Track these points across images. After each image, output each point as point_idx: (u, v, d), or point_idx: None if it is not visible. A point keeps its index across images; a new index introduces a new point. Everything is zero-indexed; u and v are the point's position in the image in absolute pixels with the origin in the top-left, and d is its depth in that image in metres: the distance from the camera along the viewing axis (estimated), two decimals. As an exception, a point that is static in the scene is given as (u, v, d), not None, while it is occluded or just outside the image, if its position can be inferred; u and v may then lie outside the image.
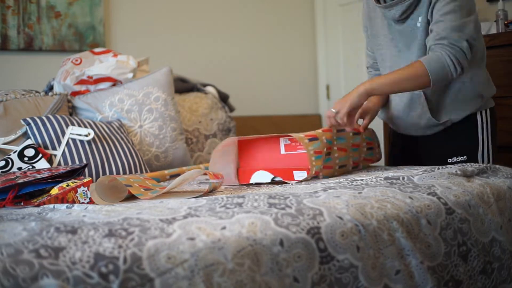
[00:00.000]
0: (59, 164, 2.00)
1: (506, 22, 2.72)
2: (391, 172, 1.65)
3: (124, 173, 2.11)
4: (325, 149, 1.71)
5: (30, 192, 1.60)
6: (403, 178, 1.54)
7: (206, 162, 2.60)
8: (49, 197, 1.50)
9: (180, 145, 2.42)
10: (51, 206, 1.42)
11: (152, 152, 2.34)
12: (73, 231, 1.01)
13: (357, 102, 1.77)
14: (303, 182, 1.65)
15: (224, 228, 1.06)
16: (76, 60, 2.44)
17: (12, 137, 2.05)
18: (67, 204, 1.41)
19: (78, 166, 1.71)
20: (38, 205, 1.48)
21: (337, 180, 1.59)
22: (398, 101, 1.97)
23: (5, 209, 1.49)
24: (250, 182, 1.78)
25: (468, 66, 1.78)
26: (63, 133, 2.06)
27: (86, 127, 2.12)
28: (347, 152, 1.82)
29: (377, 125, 3.07)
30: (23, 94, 2.23)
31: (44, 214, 1.30)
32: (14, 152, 1.93)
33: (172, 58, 3.17)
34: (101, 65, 2.43)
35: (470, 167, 1.61)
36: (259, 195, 1.30)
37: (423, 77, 1.74)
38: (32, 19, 2.84)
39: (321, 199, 1.26)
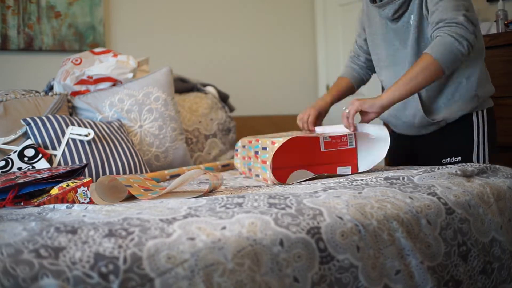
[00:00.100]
0: (59, 164, 2.00)
1: (506, 22, 2.72)
2: (391, 172, 1.65)
3: (124, 173, 2.11)
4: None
5: (30, 192, 1.60)
6: (403, 178, 1.54)
7: (206, 162, 2.60)
8: (49, 197, 1.50)
9: (180, 145, 2.42)
10: (51, 206, 1.42)
11: (152, 152, 2.34)
12: (73, 231, 1.01)
13: (375, 111, 1.75)
14: (303, 182, 1.65)
15: (224, 228, 1.06)
16: (76, 60, 2.44)
17: (12, 137, 2.05)
18: (67, 204, 1.41)
19: (78, 166, 1.71)
20: (38, 205, 1.48)
21: (337, 180, 1.60)
22: None
23: (5, 209, 1.49)
24: (288, 182, 1.70)
25: (474, 40, 1.71)
26: (63, 133, 2.06)
27: (86, 127, 2.12)
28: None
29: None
30: (23, 94, 2.23)
31: (44, 214, 1.30)
32: (14, 152, 1.93)
33: (172, 58, 3.17)
34: (101, 65, 2.43)
35: (470, 167, 1.61)
36: (259, 195, 1.30)
37: (433, 66, 1.70)
38: (32, 19, 2.84)
39: (321, 199, 1.26)
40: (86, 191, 1.54)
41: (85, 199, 1.54)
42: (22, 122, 2.07)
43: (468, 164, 1.67)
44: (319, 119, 2.06)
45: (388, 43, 1.95)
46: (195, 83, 2.89)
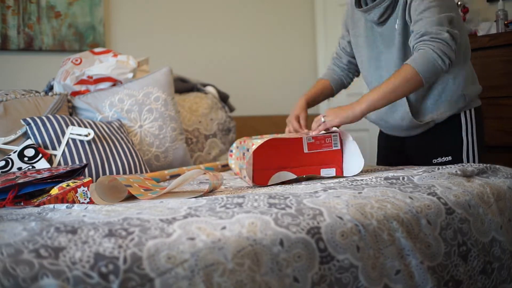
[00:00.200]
0: (59, 164, 2.00)
1: (506, 22, 2.72)
2: (391, 172, 1.65)
3: (124, 173, 2.11)
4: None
5: (30, 192, 1.60)
6: (403, 178, 1.54)
7: (206, 162, 2.60)
8: (49, 197, 1.50)
9: (180, 145, 2.42)
10: (51, 206, 1.42)
11: (152, 152, 2.34)
12: (73, 231, 1.01)
13: (348, 122, 1.75)
14: (303, 182, 1.65)
15: (224, 228, 1.06)
16: (76, 60, 2.44)
17: (12, 137, 2.05)
18: (67, 204, 1.41)
19: (78, 166, 1.71)
20: (38, 205, 1.48)
21: (337, 180, 1.60)
22: None
23: (5, 209, 1.49)
24: (270, 184, 1.69)
25: (455, 57, 1.75)
26: (63, 133, 2.06)
27: (86, 127, 2.12)
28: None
29: (370, 126, 3.07)
30: (23, 94, 2.23)
31: (44, 214, 1.30)
32: (14, 152, 1.93)
33: (172, 58, 3.17)
34: (101, 65, 2.43)
35: (470, 167, 1.61)
36: (259, 195, 1.30)
37: (414, 78, 1.73)
38: (32, 19, 2.84)
39: (321, 199, 1.26)
40: (86, 191, 1.54)
41: (85, 199, 1.54)
42: (22, 122, 2.07)
43: (468, 164, 1.67)
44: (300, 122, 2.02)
45: (371, 45, 1.96)
46: (195, 83, 2.89)
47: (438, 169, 1.63)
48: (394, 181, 1.52)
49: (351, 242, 1.14)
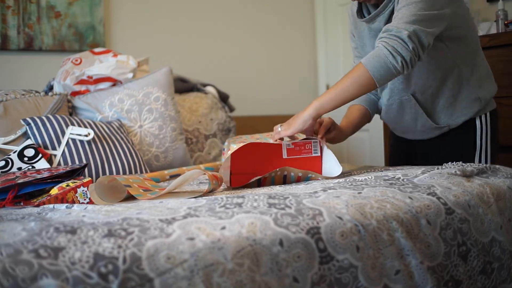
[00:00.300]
0: (59, 164, 2.00)
1: (506, 22, 2.72)
2: (391, 172, 1.65)
3: (124, 173, 2.11)
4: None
5: (30, 192, 1.60)
6: (403, 178, 1.54)
7: (206, 162, 2.60)
8: (49, 197, 1.50)
9: (180, 145, 2.42)
10: (51, 206, 1.42)
11: (152, 152, 2.34)
12: (73, 231, 1.01)
13: (301, 129, 1.68)
14: (302, 183, 1.65)
15: (223, 228, 1.06)
16: (76, 60, 2.44)
17: (12, 137, 2.05)
18: (66, 204, 1.41)
19: (78, 166, 1.71)
20: (38, 205, 1.48)
21: (337, 180, 1.59)
22: (388, 106, 1.94)
23: (5, 209, 1.49)
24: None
25: (412, 58, 1.60)
26: (63, 133, 2.06)
27: (86, 127, 2.12)
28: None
29: (378, 125, 3.07)
30: (23, 94, 2.23)
31: (43, 214, 1.30)
32: (14, 152, 1.93)
33: (172, 58, 3.17)
34: (101, 65, 2.43)
35: (470, 167, 1.61)
36: (259, 195, 1.30)
37: (364, 76, 1.62)
38: (32, 19, 2.84)
39: (320, 199, 1.26)
40: (85, 191, 1.54)
41: (84, 199, 1.54)
42: (22, 122, 2.07)
43: (468, 164, 1.67)
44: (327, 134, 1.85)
45: None
46: (195, 83, 2.89)
47: (438, 169, 1.62)
48: (394, 181, 1.52)
49: (350, 242, 1.14)
